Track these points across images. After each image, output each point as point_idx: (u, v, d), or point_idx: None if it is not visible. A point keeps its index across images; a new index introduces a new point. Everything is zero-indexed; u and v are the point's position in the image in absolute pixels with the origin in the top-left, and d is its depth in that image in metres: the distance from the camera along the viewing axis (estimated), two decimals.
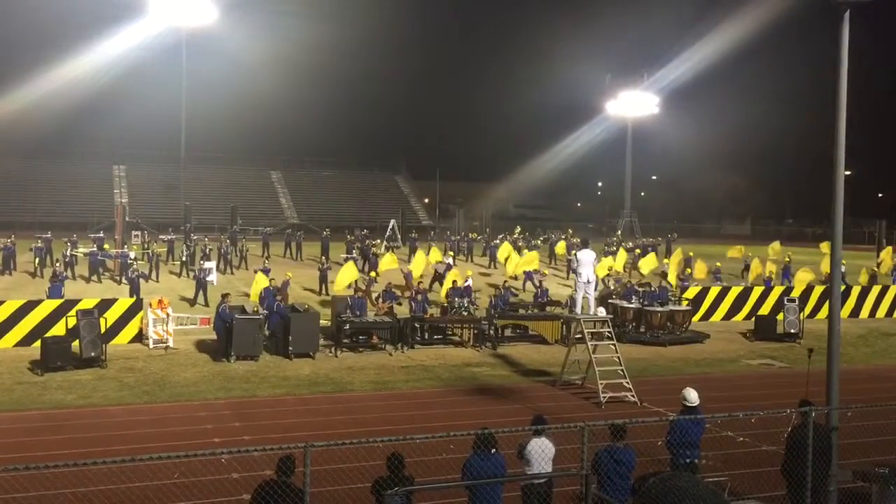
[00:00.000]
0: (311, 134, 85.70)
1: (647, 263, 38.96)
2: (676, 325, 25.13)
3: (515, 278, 34.67)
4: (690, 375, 19.51)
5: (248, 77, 75.43)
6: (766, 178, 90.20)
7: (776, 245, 46.06)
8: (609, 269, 36.04)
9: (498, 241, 43.43)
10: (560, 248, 42.43)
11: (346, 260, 34.50)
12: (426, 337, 23.19)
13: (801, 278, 32.01)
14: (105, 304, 21.90)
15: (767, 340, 25.21)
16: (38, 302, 22.07)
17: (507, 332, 24.00)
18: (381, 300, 24.83)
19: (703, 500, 3.26)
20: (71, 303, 21.80)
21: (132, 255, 32.62)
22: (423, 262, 34.35)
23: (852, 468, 11.23)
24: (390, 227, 50.93)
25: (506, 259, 37.70)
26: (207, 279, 29.45)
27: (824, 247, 41.67)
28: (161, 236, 42.75)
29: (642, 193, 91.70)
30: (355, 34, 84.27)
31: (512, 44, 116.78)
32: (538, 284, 28.59)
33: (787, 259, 39.38)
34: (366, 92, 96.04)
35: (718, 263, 37.51)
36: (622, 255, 41.15)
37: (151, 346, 21.73)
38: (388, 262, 33.01)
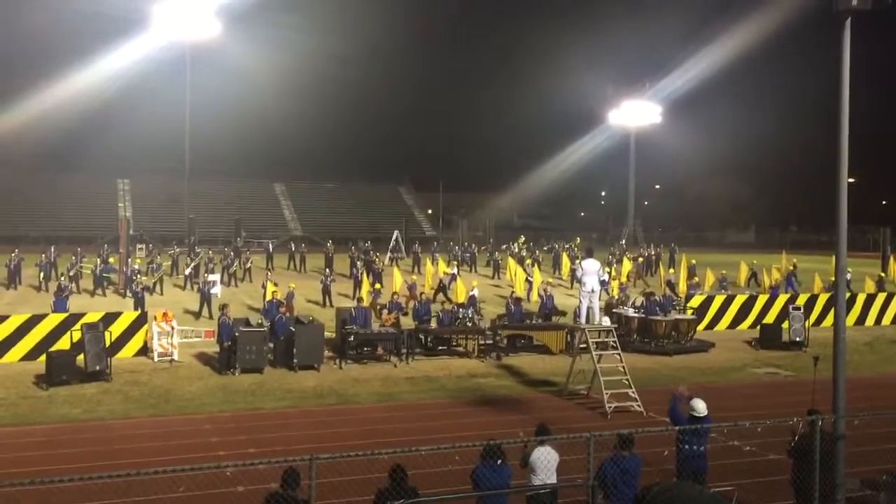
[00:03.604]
0: (314, 146, 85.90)
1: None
2: (681, 335, 25.07)
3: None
4: (696, 384, 19.43)
5: (252, 90, 75.62)
6: (769, 186, 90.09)
7: (784, 258, 46.09)
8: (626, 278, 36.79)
9: (499, 258, 43.40)
10: (565, 267, 42.10)
11: (353, 275, 34.68)
12: (429, 345, 23.13)
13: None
14: (110, 318, 21.91)
15: (773, 349, 25.14)
16: (43, 316, 22.09)
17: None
18: (386, 311, 24.82)
19: None
20: (76, 317, 21.81)
21: (136, 268, 32.66)
22: (432, 273, 36.24)
23: (860, 476, 11.19)
24: (394, 238, 50.96)
25: (514, 274, 37.78)
26: (212, 292, 29.48)
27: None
28: (166, 249, 42.87)
29: (646, 202, 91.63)
30: (358, 47, 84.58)
31: (514, 54, 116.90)
32: (543, 294, 28.53)
33: (792, 267, 39.30)
34: (368, 104, 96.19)
35: (724, 271, 37.45)
36: (626, 265, 41.12)
37: (156, 359, 21.73)
38: (397, 280, 33.11)
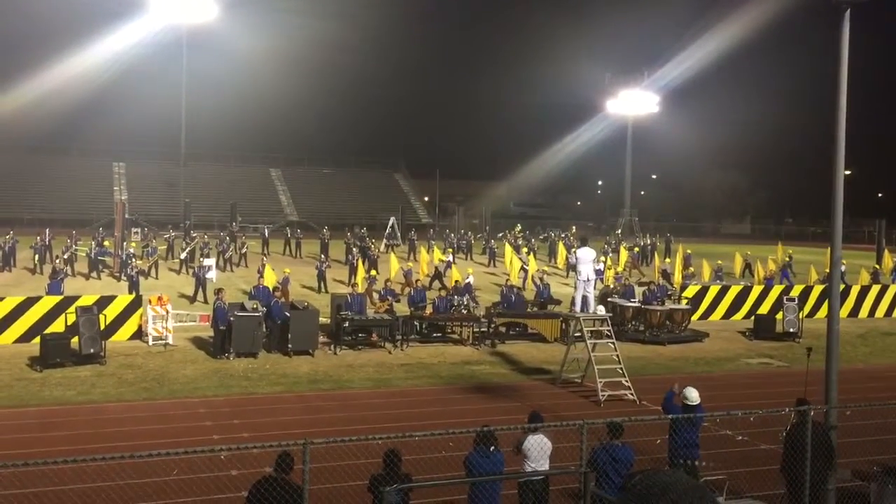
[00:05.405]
0: (310, 131, 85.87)
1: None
2: (676, 324, 25.11)
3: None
4: (689, 374, 19.50)
5: (249, 74, 75.54)
6: (765, 178, 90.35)
7: (780, 249, 46.11)
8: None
9: (495, 246, 43.38)
10: (560, 256, 42.10)
11: (348, 262, 34.61)
12: (423, 332, 23.16)
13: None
14: (104, 301, 21.88)
15: (766, 339, 25.19)
16: (38, 298, 22.05)
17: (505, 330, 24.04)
18: (381, 297, 24.83)
19: (688, 494, 3.25)
20: (70, 299, 21.78)
21: (131, 251, 32.65)
22: (427, 261, 36.05)
23: (851, 467, 11.25)
24: (390, 225, 50.94)
25: (510, 262, 37.78)
26: (207, 276, 29.46)
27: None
28: (162, 233, 42.80)
29: (642, 192, 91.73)
30: (356, 32, 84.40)
31: (512, 42, 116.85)
32: (539, 283, 28.56)
33: (788, 258, 39.38)
34: (366, 90, 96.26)
35: (720, 262, 37.51)
36: (623, 255, 41.16)
37: (151, 342, 21.71)
38: (394, 267, 33.23)
